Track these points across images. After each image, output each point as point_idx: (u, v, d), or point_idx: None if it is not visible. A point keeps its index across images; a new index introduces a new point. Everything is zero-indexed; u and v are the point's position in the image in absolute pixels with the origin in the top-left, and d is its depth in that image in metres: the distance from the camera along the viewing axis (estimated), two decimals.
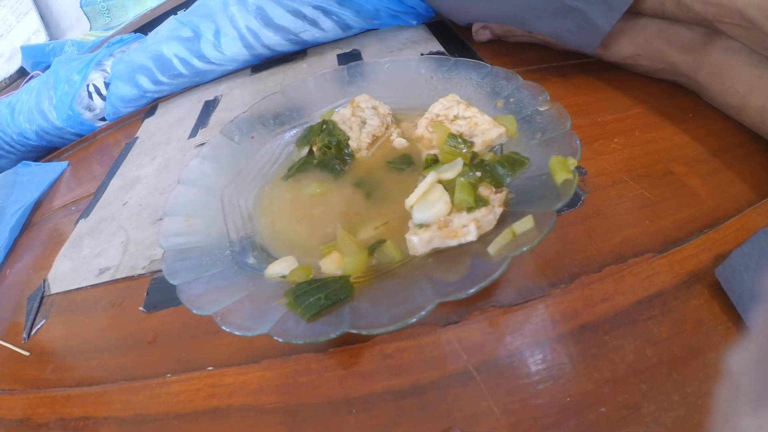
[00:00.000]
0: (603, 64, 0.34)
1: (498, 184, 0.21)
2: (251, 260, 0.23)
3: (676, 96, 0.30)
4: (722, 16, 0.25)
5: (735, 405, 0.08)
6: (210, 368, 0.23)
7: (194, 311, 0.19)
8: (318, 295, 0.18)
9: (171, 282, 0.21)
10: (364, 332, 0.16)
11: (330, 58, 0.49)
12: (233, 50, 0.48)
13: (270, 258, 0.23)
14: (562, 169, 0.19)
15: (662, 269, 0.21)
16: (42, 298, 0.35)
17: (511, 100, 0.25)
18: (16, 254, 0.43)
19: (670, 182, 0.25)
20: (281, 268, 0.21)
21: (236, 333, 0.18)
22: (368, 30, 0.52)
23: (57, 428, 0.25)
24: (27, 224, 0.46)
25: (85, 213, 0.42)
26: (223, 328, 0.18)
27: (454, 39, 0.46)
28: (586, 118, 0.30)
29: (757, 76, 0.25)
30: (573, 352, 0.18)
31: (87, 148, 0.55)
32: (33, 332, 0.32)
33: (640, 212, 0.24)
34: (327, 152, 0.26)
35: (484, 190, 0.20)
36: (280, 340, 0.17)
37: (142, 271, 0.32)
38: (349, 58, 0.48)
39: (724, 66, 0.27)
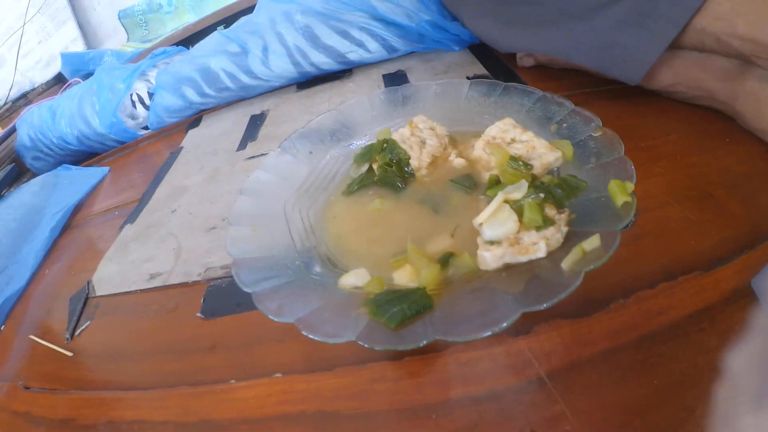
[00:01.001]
0: (642, 90, 0.35)
1: (559, 205, 0.22)
2: (318, 270, 0.25)
3: (713, 121, 0.32)
4: (758, 52, 0.27)
5: (735, 405, 0.09)
6: (278, 375, 0.23)
7: (275, 319, 0.20)
8: (400, 305, 0.19)
9: (246, 290, 0.22)
10: (450, 339, 0.17)
11: (376, 77, 0.51)
12: (281, 67, 0.49)
13: (336, 269, 0.24)
14: (622, 193, 0.21)
15: (709, 286, 0.22)
16: (86, 299, 0.35)
17: (564, 125, 0.27)
18: (55, 255, 0.43)
19: (711, 205, 0.26)
20: (355, 279, 0.22)
21: (320, 339, 0.19)
22: (412, 52, 0.53)
23: (106, 430, 0.25)
24: (66, 227, 0.47)
25: (131, 218, 0.43)
26: (306, 334, 0.19)
27: (497, 62, 0.48)
28: (630, 142, 0.31)
29: None
30: (634, 360, 0.20)
31: (128, 156, 0.57)
32: (77, 333, 0.32)
33: (685, 233, 0.25)
34: (388, 170, 0.27)
35: (549, 211, 0.21)
36: (367, 345, 0.18)
37: (198, 278, 0.33)
38: (395, 78, 0.49)
39: (760, 94, 0.29)
